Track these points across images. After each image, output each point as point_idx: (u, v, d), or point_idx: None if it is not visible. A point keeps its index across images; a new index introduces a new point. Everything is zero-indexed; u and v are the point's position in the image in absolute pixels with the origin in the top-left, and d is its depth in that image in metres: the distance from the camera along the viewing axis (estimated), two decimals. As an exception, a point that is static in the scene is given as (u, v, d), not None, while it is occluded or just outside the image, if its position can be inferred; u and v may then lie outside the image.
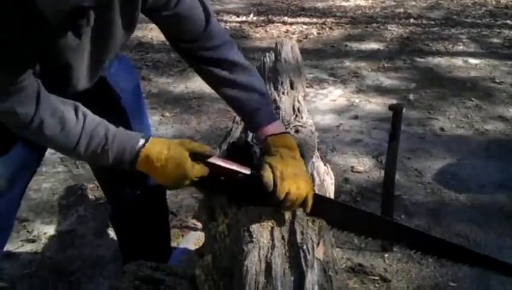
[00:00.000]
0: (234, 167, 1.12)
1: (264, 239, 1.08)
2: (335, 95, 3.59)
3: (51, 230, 2.23)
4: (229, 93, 1.22)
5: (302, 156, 1.17)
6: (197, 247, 1.68)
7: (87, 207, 2.37)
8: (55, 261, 2.04)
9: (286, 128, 1.24)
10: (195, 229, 2.12)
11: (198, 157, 1.09)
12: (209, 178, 1.11)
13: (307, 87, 3.65)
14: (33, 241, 2.15)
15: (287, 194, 1.08)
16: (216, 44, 1.21)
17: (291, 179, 1.09)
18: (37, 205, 2.40)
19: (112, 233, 2.11)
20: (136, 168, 1.08)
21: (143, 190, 1.53)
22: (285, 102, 1.53)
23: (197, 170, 1.08)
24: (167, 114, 3.34)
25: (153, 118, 3.27)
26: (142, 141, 1.07)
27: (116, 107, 1.42)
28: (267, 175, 1.09)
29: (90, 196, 2.43)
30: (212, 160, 1.11)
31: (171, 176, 1.08)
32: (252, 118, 1.21)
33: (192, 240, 2.05)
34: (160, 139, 1.09)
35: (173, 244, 2.08)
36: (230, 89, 1.22)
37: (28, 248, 2.11)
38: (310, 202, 1.12)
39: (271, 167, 1.10)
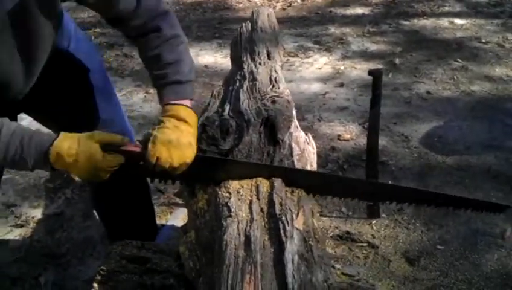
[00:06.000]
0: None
1: (242, 213, 1.08)
2: (320, 63, 3.55)
3: (38, 214, 2.22)
4: (146, 65, 1.25)
5: (277, 127, 1.15)
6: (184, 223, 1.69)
7: (75, 189, 2.35)
8: (44, 245, 2.04)
9: (192, 101, 1.21)
10: (183, 205, 2.11)
11: (111, 147, 1.10)
12: (129, 165, 1.12)
13: (292, 56, 3.64)
14: (21, 226, 2.15)
15: (158, 159, 1.10)
16: (146, 21, 1.20)
17: (165, 146, 1.10)
18: (23, 190, 2.38)
19: (99, 214, 2.11)
20: (54, 167, 1.07)
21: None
22: (262, 73, 1.50)
23: (109, 160, 1.08)
24: (151, 91, 3.28)
25: (138, 96, 3.24)
26: (49, 141, 1.06)
27: (82, 87, 1.40)
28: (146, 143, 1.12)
29: (77, 178, 2.41)
30: (125, 147, 1.12)
31: (85, 170, 1.08)
32: (159, 91, 1.21)
33: (180, 216, 2.05)
34: (69, 135, 1.08)
35: (162, 221, 2.09)
36: (148, 62, 1.24)
37: (17, 233, 2.11)
38: (180, 169, 1.13)
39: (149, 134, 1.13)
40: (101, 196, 1.63)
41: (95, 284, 1.33)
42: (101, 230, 2.07)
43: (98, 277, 1.34)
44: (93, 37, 4.21)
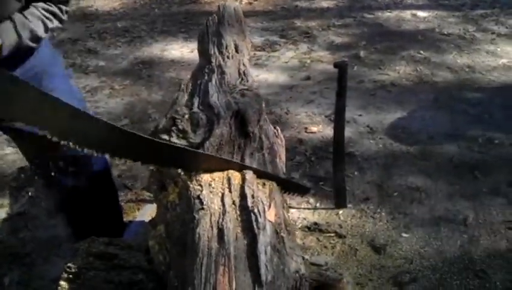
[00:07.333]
0: None
1: (215, 205, 1.07)
2: (287, 57, 3.58)
3: (2, 213, 2.16)
4: None
5: (247, 119, 1.15)
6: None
7: (39, 188, 2.29)
8: (8, 245, 1.99)
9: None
10: (151, 201, 2.09)
11: None
12: None
13: (258, 50, 3.64)
14: (-16, 226, 2.08)
15: None
16: None
17: None
18: (-15, 189, 2.31)
19: (65, 212, 2.06)
20: None
21: (87, 174, 1.50)
22: (230, 66, 1.49)
23: None
24: (116, 87, 3.24)
25: (102, 92, 3.17)
26: None
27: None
28: None
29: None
30: None
31: None
32: None
33: (148, 212, 2.03)
34: None
35: (130, 218, 2.07)
36: None
37: (-21, 233, 2.05)
38: None
39: None
40: (66, 195, 1.59)
41: (62, 282, 1.29)
42: (66, 229, 2.04)
43: (65, 275, 1.30)
44: (55, 34, 4.10)
